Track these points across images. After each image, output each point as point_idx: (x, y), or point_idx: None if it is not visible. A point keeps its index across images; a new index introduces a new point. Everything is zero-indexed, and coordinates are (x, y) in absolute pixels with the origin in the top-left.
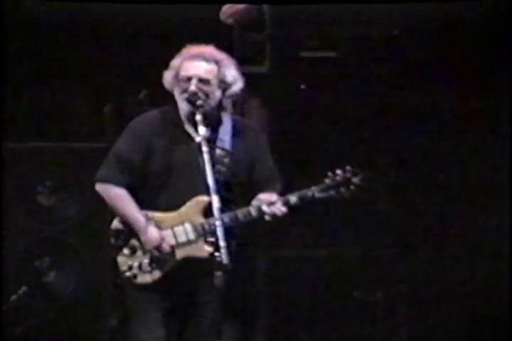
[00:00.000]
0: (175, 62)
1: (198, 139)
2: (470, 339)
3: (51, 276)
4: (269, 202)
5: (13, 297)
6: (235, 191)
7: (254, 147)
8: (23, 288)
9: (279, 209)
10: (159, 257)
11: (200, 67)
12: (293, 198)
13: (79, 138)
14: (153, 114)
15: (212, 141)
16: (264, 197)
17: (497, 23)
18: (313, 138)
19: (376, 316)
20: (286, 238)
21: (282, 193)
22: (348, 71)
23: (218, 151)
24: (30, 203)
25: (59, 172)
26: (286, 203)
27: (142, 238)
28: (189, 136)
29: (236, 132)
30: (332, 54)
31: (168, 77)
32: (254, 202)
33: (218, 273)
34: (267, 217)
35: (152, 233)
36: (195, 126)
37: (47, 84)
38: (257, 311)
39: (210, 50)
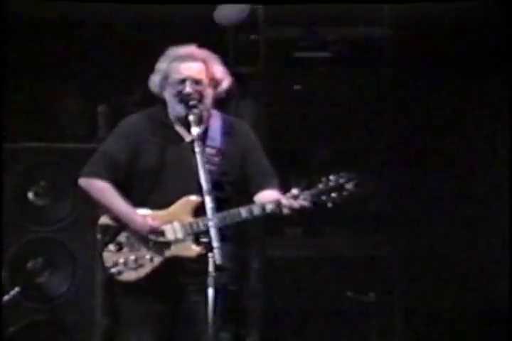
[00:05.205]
0: (161, 65)
1: (188, 139)
2: (466, 339)
3: (44, 277)
4: (292, 197)
5: (6, 297)
6: (226, 190)
7: (245, 145)
8: (16, 289)
9: (301, 203)
10: (151, 249)
11: (191, 68)
12: (284, 201)
13: (73, 139)
14: (141, 115)
15: (202, 140)
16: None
17: (497, 23)
18: (307, 138)
19: (370, 316)
20: (280, 238)
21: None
22: (342, 71)
23: (208, 150)
24: (24, 203)
25: (53, 172)
26: (278, 205)
27: (132, 226)
28: (179, 136)
29: (226, 130)
30: (325, 54)
31: (155, 80)
32: (263, 199)
33: (212, 274)
34: (285, 211)
35: (141, 218)
36: (184, 126)
37: (41, 83)
38: (250, 311)
39: (195, 49)
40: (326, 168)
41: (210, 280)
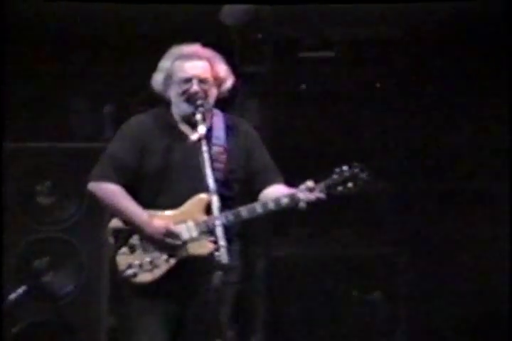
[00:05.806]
0: (164, 64)
1: (193, 138)
2: (469, 339)
3: (50, 276)
4: (308, 189)
5: (12, 296)
6: (233, 188)
7: (248, 143)
8: (22, 288)
9: (317, 195)
10: (166, 251)
11: (197, 66)
12: (300, 194)
13: (78, 138)
14: (145, 115)
15: (207, 138)
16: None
17: (497, 23)
18: (312, 138)
19: (375, 315)
20: (285, 238)
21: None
22: (347, 71)
23: (215, 148)
24: (30, 203)
25: (58, 172)
26: (293, 198)
27: (147, 230)
28: (184, 135)
29: (229, 129)
30: (330, 54)
31: (158, 79)
32: (274, 194)
33: (217, 273)
34: (301, 204)
35: (156, 222)
36: (189, 125)
37: (46, 83)
38: (256, 311)
39: (199, 48)
40: (331, 167)
41: (216, 280)
